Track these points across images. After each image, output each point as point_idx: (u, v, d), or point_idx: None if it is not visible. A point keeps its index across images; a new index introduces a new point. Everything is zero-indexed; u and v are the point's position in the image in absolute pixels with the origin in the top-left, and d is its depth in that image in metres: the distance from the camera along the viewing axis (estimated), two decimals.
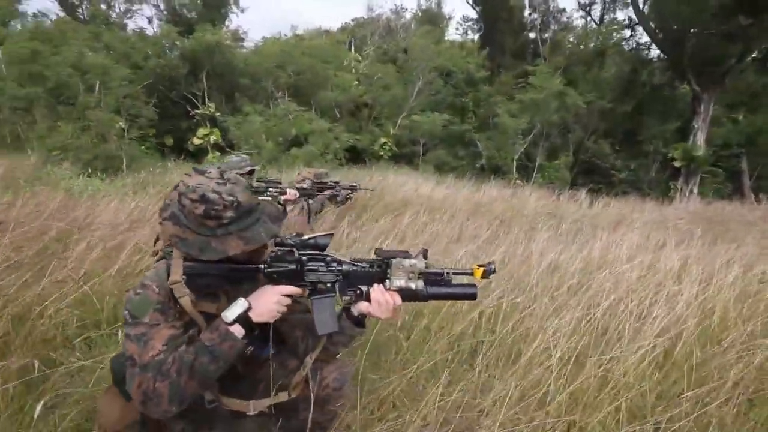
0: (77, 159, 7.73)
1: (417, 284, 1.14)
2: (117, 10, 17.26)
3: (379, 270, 1.16)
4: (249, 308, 1.07)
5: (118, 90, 9.14)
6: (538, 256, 3.19)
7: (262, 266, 1.13)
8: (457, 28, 32.72)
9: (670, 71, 12.74)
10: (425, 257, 1.16)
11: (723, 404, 1.70)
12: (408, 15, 21.58)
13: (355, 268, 1.17)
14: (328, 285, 1.16)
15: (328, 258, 1.17)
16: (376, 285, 1.14)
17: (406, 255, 1.15)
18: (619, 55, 13.99)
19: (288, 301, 1.12)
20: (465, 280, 1.36)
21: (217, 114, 12.42)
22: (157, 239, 1.28)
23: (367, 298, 1.14)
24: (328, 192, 4.62)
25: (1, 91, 9.03)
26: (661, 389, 1.92)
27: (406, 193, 6.73)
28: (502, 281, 2.61)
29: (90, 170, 7.65)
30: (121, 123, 9.28)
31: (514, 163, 11.50)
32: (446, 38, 21.02)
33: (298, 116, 11.87)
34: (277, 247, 1.17)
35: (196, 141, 12.45)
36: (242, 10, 17.27)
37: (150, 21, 17.16)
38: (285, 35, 18.13)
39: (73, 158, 7.74)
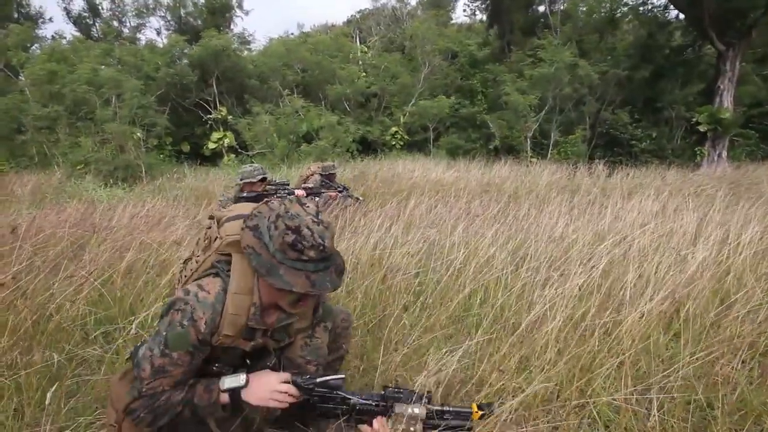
0: (98, 171, 8.08)
1: (416, 429, 1.18)
2: (128, 26, 17.79)
3: (383, 408, 1.22)
4: (245, 386, 1.12)
5: (131, 101, 9.45)
6: (543, 228, 3.13)
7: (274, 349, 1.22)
8: (464, 10, 32.05)
9: (690, 30, 12.04)
10: (429, 401, 1.22)
11: (730, 363, 1.64)
12: (413, 1, 21.25)
13: (361, 404, 1.23)
14: (337, 413, 1.23)
15: (338, 398, 1.22)
16: (380, 418, 1.19)
17: (410, 396, 1.21)
18: (634, 20, 13.34)
19: (283, 396, 1.15)
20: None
21: (229, 117, 12.66)
22: (212, 218, 1.28)
23: (370, 423, 1.21)
24: (333, 194, 4.64)
25: (25, 112, 9.49)
26: (671, 351, 1.87)
27: (416, 180, 6.70)
28: (503, 253, 2.58)
29: (111, 180, 8.00)
30: (138, 133, 9.63)
31: (528, 141, 11.20)
32: (453, 21, 20.63)
33: (308, 112, 11.95)
34: (296, 386, 1.19)
35: (211, 145, 12.73)
36: (246, 13, 17.45)
37: (159, 33, 17.58)
38: (292, 34, 18.22)
39: (94, 171, 8.09)
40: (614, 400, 1.63)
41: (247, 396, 1.12)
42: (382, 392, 1.24)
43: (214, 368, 1.20)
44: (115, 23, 17.48)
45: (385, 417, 1.20)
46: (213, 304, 1.10)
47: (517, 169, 8.02)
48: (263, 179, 3.70)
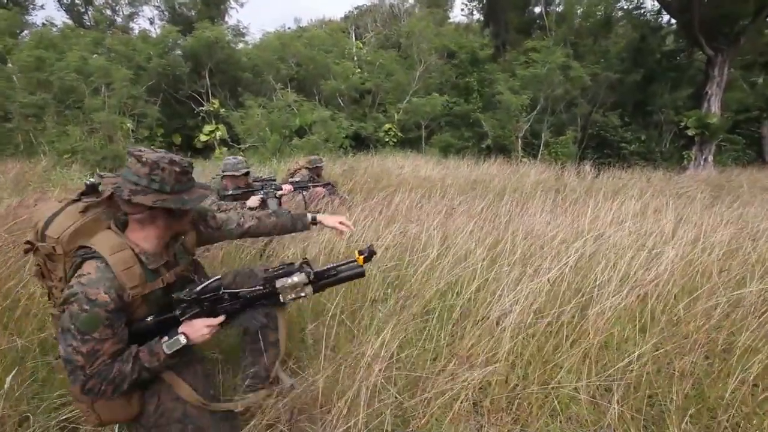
0: (86, 160, 7.99)
1: (306, 291, 1.38)
2: (121, 15, 17.55)
3: (271, 290, 1.38)
4: (187, 341, 1.28)
5: (120, 91, 9.34)
6: (523, 225, 3.15)
7: (177, 313, 1.34)
8: (462, 9, 32.03)
9: (681, 35, 12.17)
10: (308, 264, 1.40)
11: (686, 357, 1.67)
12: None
13: (252, 293, 1.39)
14: (237, 308, 1.40)
15: (227, 294, 1.38)
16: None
17: (288, 273, 1.37)
18: (628, 23, 13.46)
19: (210, 329, 1.33)
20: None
21: (222, 110, 12.57)
22: (30, 243, 1.29)
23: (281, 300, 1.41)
24: (320, 190, 4.63)
25: (12, 99, 9.34)
26: (635, 345, 1.90)
27: (405, 176, 6.71)
28: (480, 248, 2.60)
29: (98, 170, 7.91)
30: (129, 124, 9.53)
31: (519, 140, 11.27)
32: (450, 20, 20.61)
33: (301, 106, 11.91)
34: (181, 302, 1.35)
35: (203, 138, 12.65)
36: (242, 5, 17.30)
37: (152, 22, 17.40)
38: (289, 28, 18.11)
39: (82, 160, 8.00)
40: (576, 391, 1.66)
41: (192, 341, 1.30)
42: (264, 276, 1.39)
43: (149, 320, 1.32)
44: (108, 12, 17.24)
45: (276, 295, 1.38)
46: (100, 277, 1.18)
47: (506, 168, 8.06)
48: (246, 173, 3.60)
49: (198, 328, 1.31)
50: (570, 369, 1.72)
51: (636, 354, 1.72)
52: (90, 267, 1.19)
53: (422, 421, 1.50)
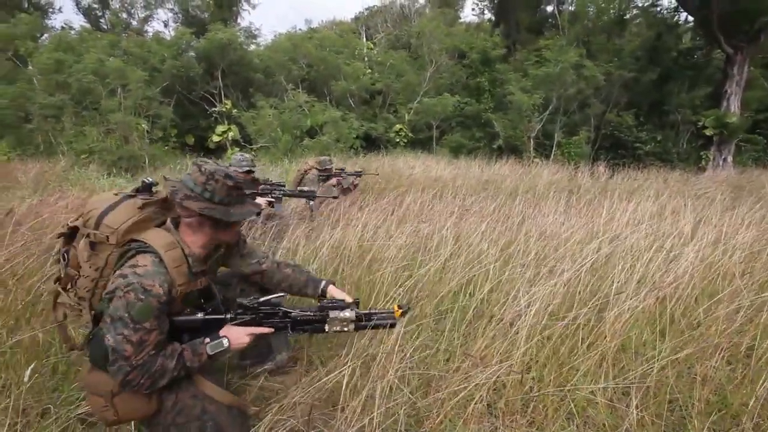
0: (102, 160, 8.15)
1: (349, 327, 1.47)
2: (136, 18, 17.87)
3: (321, 318, 1.47)
4: (228, 347, 1.34)
5: (136, 92, 9.51)
6: (537, 226, 3.12)
7: (228, 316, 1.42)
8: (473, 9, 31.89)
9: (699, 33, 11.91)
10: (357, 307, 1.51)
11: (708, 362, 1.63)
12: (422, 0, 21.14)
13: (302, 315, 1.48)
14: (281, 327, 1.48)
15: (281, 312, 1.48)
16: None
17: (342, 307, 1.47)
18: (644, 21, 13.21)
19: (249, 338, 1.40)
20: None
21: (234, 110, 12.71)
22: (70, 228, 1.37)
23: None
24: (334, 180, 4.68)
25: (33, 101, 9.58)
26: (653, 348, 1.86)
27: (416, 176, 6.69)
28: (493, 249, 2.58)
29: (114, 170, 8.07)
30: (144, 124, 9.70)
31: (531, 141, 11.14)
32: (461, 20, 20.51)
33: (312, 107, 11.97)
34: (241, 307, 1.44)
35: (215, 138, 12.79)
36: (254, 7, 17.47)
37: (166, 25, 17.69)
38: (300, 29, 18.23)
39: (98, 160, 8.16)
40: (592, 395, 1.63)
41: (232, 346, 1.35)
42: (319, 305, 1.49)
43: (200, 316, 1.41)
44: (124, 15, 17.58)
45: (323, 324, 1.46)
46: (155, 270, 1.24)
47: (518, 168, 7.99)
48: (249, 171, 3.61)
49: (240, 335, 1.37)
50: (586, 372, 1.69)
51: (655, 358, 1.69)
52: (146, 260, 1.25)
53: (436, 422, 1.48)
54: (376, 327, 1.50)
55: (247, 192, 1.63)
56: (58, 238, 1.39)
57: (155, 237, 1.29)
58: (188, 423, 1.29)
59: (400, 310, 1.52)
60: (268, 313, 1.45)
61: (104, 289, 1.28)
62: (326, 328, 1.45)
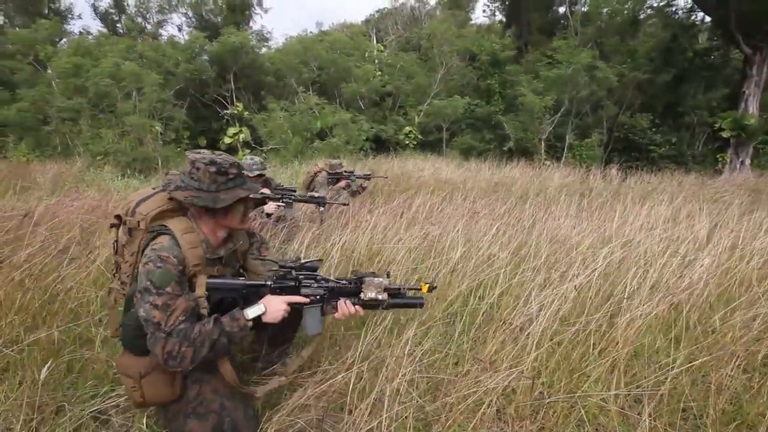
0: (117, 162, 8.32)
1: (383, 296, 1.51)
2: (151, 22, 18.22)
3: (356, 286, 1.52)
4: (264, 312, 1.39)
5: (150, 95, 9.69)
6: (548, 229, 3.09)
7: (269, 283, 1.47)
8: (484, 11, 31.78)
9: (716, 33, 11.66)
10: (389, 276, 1.56)
11: (723, 370, 1.59)
12: (433, 1, 21.15)
13: (338, 284, 1.53)
14: (318, 297, 1.51)
15: (318, 277, 1.52)
16: (343, 299, 1.51)
17: (374, 275, 1.52)
18: (657, 22, 12.99)
19: (286, 311, 1.44)
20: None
21: (245, 113, 12.86)
22: (119, 217, 1.51)
23: (336, 308, 1.52)
24: (342, 183, 4.70)
25: (51, 104, 9.83)
26: (667, 355, 1.82)
27: (425, 178, 6.68)
28: (504, 252, 2.56)
29: (129, 171, 8.23)
30: (157, 127, 9.87)
31: (542, 143, 11.03)
32: (472, 22, 20.45)
33: (322, 109, 12.04)
34: (281, 269, 1.50)
35: (227, 140, 12.94)
36: (266, 11, 17.68)
37: (180, 29, 17.96)
38: (311, 32, 18.37)
39: (113, 161, 8.33)
40: (604, 402, 1.60)
41: (267, 318, 1.40)
42: (353, 276, 1.55)
43: (242, 279, 1.49)
44: (139, 19, 17.94)
45: (354, 297, 1.51)
46: (171, 246, 1.34)
47: (529, 171, 7.91)
48: (259, 176, 3.64)
49: (277, 304, 1.42)
50: (598, 378, 1.67)
51: (669, 365, 1.65)
52: (163, 239, 1.36)
53: (445, 426, 1.48)
54: (406, 305, 1.56)
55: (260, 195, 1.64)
56: (110, 228, 1.54)
57: (175, 222, 1.40)
58: (207, 414, 1.35)
59: (427, 285, 1.57)
60: (306, 278, 1.50)
61: None
62: (362, 295, 1.50)
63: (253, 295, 1.44)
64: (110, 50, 11.19)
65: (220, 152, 1.45)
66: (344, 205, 4.40)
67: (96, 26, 19.69)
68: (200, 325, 1.30)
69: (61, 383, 1.76)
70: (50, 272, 2.28)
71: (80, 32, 16.47)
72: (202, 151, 1.43)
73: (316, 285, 1.50)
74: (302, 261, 1.53)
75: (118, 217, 1.50)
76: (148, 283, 1.27)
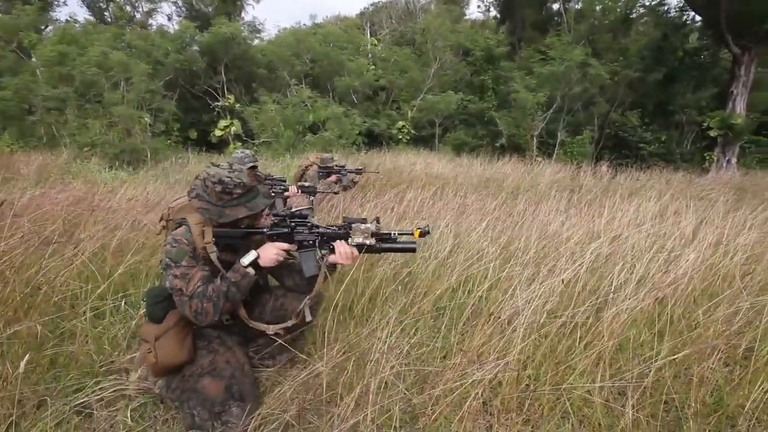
0: (105, 153, 8.16)
1: (371, 241, 1.60)
2: (140, 11, 17.82)
3: (345, 231, 1.63)
4: (258, 257, 1.58)
5: (139, 85, 9.50)
6: (537, 225, 3.10)
7: (265, 230, 1.67)
8: (478, 6, 31.71)
9: (706, 33, 11.79)
10: (378, 222, 1.65)
11: (704, 363, 1.62)
12: None
13: (328, 230, 1.65)
14: (311, 242, 1.65)
15: (310, 224, 1.66)
16: (339, 241, 1.62)
17: (363, 221, 1.62)
18: (651, 20, 13.09)
19: (284, 254, 1.63)
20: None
21: (237, 105, 12.69)
22: (162, 218, 1.81)
23: (333, 251, 1.62)
24: (333, 177, 4.67)
25: (36, 93, 9.59)
26: (651, 348, 1.85)
27: (417, 173, 6.68)
28: (493, 247, 2.57)
29: (117, 163, 8.08)
30: (146, 118, 9.69)
31: (534, 139, 11.09)
32: (467, 17, 20.38)
33: (315, 103, 11.94)
34: (275, 217, 1.68)
35: (218, 132, 12.77)
36: (258, 1, 17.41)
37: (170, 18, 17.65)
38: (304, 25, 18.15)
39: (101, 153, 8.17)
40: (589, 394, 1.62)
41: (263, 262, 1.60)
42: (343, 222, 1.65)
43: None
44: (128, 8, 17.53)
45: (345, 240, 1.61)
46: (183, 232, 1.60)
47: (520, 167, 7.96)
48: (253, 167, 3.61)
49: (270, 250, 1.60)
50: (583, 371, 1.69)
51: (653, 358, 1.68)
52: (180, 229, 1.62)
53: (431, 419, 1.48)
54: (394, 249, 1.63)
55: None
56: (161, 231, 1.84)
57: (193, 217, 1.62)
58: (221, 379, 1.52)
59: (419, 230, 1.62)
60: (298, 225, 1.64)
61: None
62: (349, 240, 1.60)
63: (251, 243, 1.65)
64: (97, 39, 10.93)
65: (233, 170, 1.61)
66: (335, 193, 4.39)
67: (83, 14, 19.23)
68: (212, 284, 1.53)
69: (44, 377, 1.73)
70: (32, 264, 2.24)
71: (67, 20, 16.07)
72: (219, 166, 1.62)
73: (308, 231, 1.63)
74: (294, 209, 1.70)
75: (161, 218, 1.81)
76: (168, 259, 1.54)
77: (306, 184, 4.40)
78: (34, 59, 10.82)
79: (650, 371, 1.62)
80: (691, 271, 2.20)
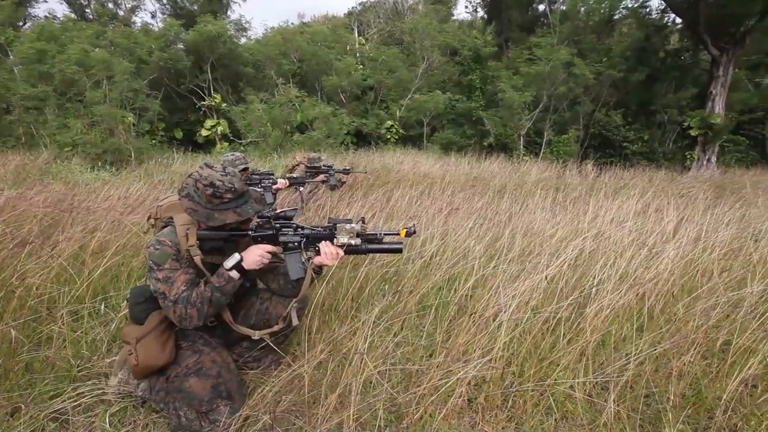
0: (86, 153, 7.96)
1: (356, 241, 1.58)
2: (123, 8, 17.46)
3: (330, 232, 1.61)
4: (241, 260, 1.56)
5: (121, 84, 9.30)
6: (523, 223, 3.13)
7: (250, 232, 1.63)
8: (466, 7, 31.93)
9: (686, 35, 12.07)
10: (364, 223, 1.63)
11: (683, 357, 1.65)
12: None
13: (313, 231, 1.63)
14: (296, 244, 1.62)
15: (295, 225, 1.63)
16: (324, 241, 1.60)
17: (348, 221, 1.60)
18: (633, 21, 13.34)
19: (269, 256, 1.60)
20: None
21: (223, 104, 12.52)
22: (149, 217, 1.78)
23: (319, 252, 1.59)
24: (320, 177, 4.65)
25: (13, 92, 9.32)
26: (632, 343, 1.88)
27: (405, 172, 6.68)
28: (479, 245, 2.58)
29: (99, 163, 7.90)
30: (130, 117, 9.48)
31: (521, 138, 11.20)
32: (454, 17, 20.50)
33: (302, 102, 11.86)
34: (259, 219, 1.66)
35: (204, 132, 12.59)
36: (244, 0, 17.20)
37: (153, 16, 17.35)
38: (292, 24, 18.01)
39: (82, 153, 7.97)
40: (572, 389, 1.64)
41: (247, 265, 1.56)
42: (328, 223, 1.63)
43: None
44: (110, 5, 17.16)
45: (330, 240, 1.59)
46: (168, 233, 1.58)
47: (507, 166, 8.03)
48: (245, 169, 3.59)
49: (253, 252, 1.58)
50: (566, 367, 1.71)
51: (633, 353, 1.70)
52: (166, 230, 1.61)
53: (415, 417, 1.48)
54: (380, 250, 1.60)
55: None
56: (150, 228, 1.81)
57: (180, 217, 1.60)
58: (208, 378, 1.51)
59: (405, 230, 1.61)
60: (283, 226, 1.62)
61: None
62: (334, 240, 1.58)
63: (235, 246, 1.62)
64: (77, 36, 10.66)
65: (226, 173, 1.55)
66: (323, 182, 4.38)
67: (63, 11, 18.74)
68: (197, 289, 1.51)
69: (18, 383, 1.68)
70: (6, 267, 2.17)
71: (46, 16, 15.66)
72: (213, 168, 1.57)
73: (293, 233, 1.61)
74: (279, 210, 1.66)
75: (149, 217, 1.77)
76: (151, 262, 1.52)
77: (295, 175, 4.37)
78: (11, 57, 10.51)
79: (631, 365, 1.64)
80: (672, 267, 2.24)
